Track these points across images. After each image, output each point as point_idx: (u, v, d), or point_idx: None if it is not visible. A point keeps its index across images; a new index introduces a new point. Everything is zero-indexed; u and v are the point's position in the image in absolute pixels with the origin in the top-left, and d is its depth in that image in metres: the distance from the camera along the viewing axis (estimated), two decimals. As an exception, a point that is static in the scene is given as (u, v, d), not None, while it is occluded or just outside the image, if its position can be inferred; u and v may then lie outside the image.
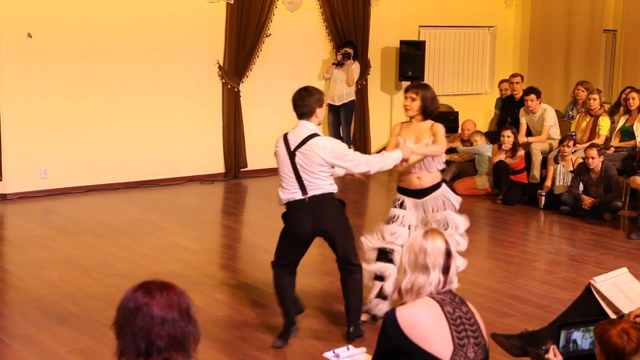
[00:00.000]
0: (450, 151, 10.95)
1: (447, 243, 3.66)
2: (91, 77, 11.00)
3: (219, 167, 12.19)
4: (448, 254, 3.64)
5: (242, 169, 12.33)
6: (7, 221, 10.03)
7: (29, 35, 10.52)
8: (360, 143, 13.22)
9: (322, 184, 5.94)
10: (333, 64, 12.58)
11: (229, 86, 12.03)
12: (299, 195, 5.93)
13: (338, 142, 6.09)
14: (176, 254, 8.48)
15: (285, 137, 6.05)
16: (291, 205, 6.01)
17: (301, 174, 5.90)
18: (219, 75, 11.99)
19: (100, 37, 10.99)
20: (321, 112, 6.01)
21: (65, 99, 10.85)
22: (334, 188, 6.04)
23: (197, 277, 7.63)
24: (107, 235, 9.08)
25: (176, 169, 11.79)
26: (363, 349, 4.58)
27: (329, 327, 6.49)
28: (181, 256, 8.39)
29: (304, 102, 5.96)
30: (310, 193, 5.91)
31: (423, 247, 3.62)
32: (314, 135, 5.92)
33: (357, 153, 6.20)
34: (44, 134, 10.76)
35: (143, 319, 2.91)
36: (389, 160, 6.10)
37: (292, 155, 5.93)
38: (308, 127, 5.96)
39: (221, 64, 11.97)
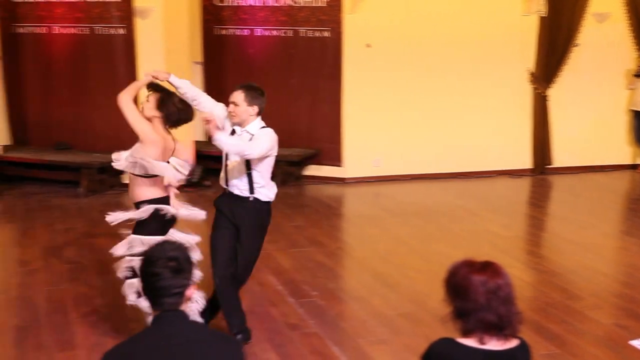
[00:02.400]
0: None
1: None
2: (419, 81, 11.36)
3: (526, 163, 12.11)
4: None
5: (547, 166, 12.17)
6: (346, 201, 10.68)
7: (368, 46, 11.11)
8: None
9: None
10: (634, 75, 12.07)
11: (538, 91, 11.92)
12: None
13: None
14: (488, 238, 8.55)
15: None
16: None
17: None
18: (530, 81, 11.91)
19: (428, 46, 11.29)
20: None
21: (396, 100, 11.29)
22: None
23: (507, 261, 7.68)
24: (429, 218, 9.37)
25: (488, 163, 11.87)
26: None
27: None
28: (492, 240, 8.45)
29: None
30: None
31: None
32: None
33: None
34: (378, 129, 11.28)
35: (497, 300, 2.98)
36: None
37: None
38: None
39: (532, 71, 11.88)
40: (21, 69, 11.54)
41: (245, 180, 5.54)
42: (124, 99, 5.40)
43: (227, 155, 5.56)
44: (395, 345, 5.75)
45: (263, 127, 5.59)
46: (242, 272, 5.68)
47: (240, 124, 5.53)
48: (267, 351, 5.61)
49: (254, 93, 5.52)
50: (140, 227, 5.39)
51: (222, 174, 5.65)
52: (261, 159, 5.49)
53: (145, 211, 5.32)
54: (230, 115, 5.53)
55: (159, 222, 5.39)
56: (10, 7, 11.36)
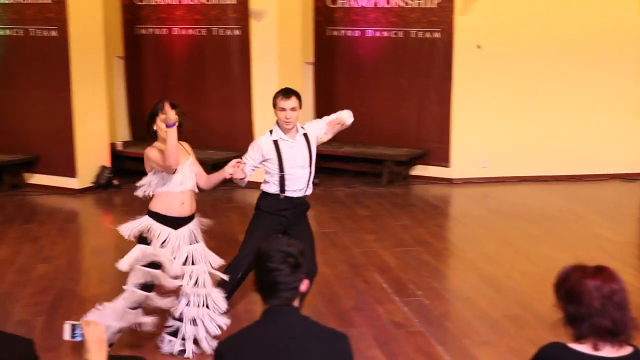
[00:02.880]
0: None
1: None
2: (529, 82, 11.12)
3: (639, 167, 11.69)
4: None
5: (662, 170, 11.72)
6: (453, 202, 10.56)
7: (479, 47, 10.94)
8: None
9: None
10: None
11: (657, 92, 11.48)
12: None
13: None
14: (596, 242, 8.30)
15: None
16: None
17: None
18: (646, 83, 11.49)
19: (539, 47, 11.04)
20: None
21: (505, 101, 11.09)
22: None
23: (617, 266, 7.36)
24: (536, 220, 9.16)
25: (599, 166, 11.51)
26: None
27: None
28: (601, 245, 8.20)
29: None
30: None
31: None
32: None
33: None
34: (486, 130, 11.11)
35: (612, 305, 2.89)
36: None
37: None
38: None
39: (648, 72, 11.46)
40: (142, 68, 11.92)
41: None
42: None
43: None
44: (500, 347, 5.65)
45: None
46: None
47: (290, 130, 5.66)
48: (372, 348, 5.60)
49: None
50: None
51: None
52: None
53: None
54: (287, 123, 5.61)
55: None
56: (134, 9, 11.74)
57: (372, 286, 6.87)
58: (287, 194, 5.73)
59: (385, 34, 11.50)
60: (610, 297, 2.89)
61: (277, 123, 5.69)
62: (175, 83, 11.65)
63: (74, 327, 2.99)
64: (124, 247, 7.98)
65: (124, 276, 7.04)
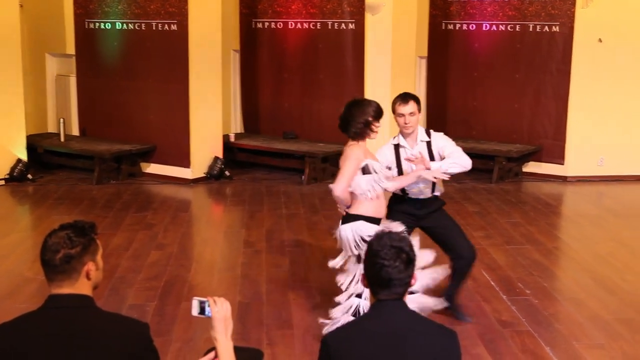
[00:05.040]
0: None
1: None
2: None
3: None
4: None
5: None
6: (566, 200, 10.23)
7: (600, 41, 10.55)
8: None
9: None
10: None
11: None
12: None
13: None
14: None
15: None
16: None
17: None
18: None
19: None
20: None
21: (625, 98, 10.68)
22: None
23: None
24: (633, 225, 8.79)
25: None
26: None
27: None
28: None
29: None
30: None
31: None
32: None
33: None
34: (603, 127, 10.72)
35: None
36: None
37: None
38: None
39: None
40: (256, 62, 12.08)
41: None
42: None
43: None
44: (612, 351, 5.43)
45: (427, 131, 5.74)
46: None
47: (410, 134, 5.60)
48: (477, 346, 5.48)
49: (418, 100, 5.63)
50: None
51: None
52: None
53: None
54: (405, 127, 5.55)
55: None
56: (252, 3, 11.90)
57: (479, 283, 6.73)
58: (410, 196, 5.75)
59: (502, 27, 11.26)
60: None
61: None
62: (288, 76, 11.76)
63: (202, 304, 3.01)
64: (232, 237, 8.18)
65: (232, 264, 7.18)
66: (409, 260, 2.96)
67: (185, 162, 10.51)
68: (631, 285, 6.71)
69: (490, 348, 5.45)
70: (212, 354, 3.00)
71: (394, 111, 5.61)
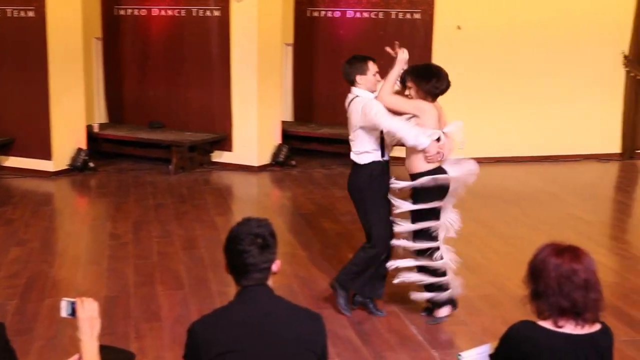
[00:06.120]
0: None
1: None
2: (507, 63, 11.11)
3: (615, 147, 11.72)
4: None
5: (637, 151, 11.75)
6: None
7: (459, 28, 10.91)
8: None
9: (356, 149, 5.67)
10: None
11: (632, 74, 11.48)
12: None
13: (374, 102, 5.54)
14: (571, 222, 8.32)
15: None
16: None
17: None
18: (623, 64, 11.49)
19: (518, 28, 11.03)
20: (363, 79, 5.64)
21: (484, 82, 11.08)
22: (362, 159, 5.66)
23: (590, 246, 7.37)
24: (512, 201, 9.16)
25: (576, 147, 11.53)
26: None
27: None
28: (575, 225, 8.22)
29: (345, 72, 5.74)
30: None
31: None
32: (355, 97, 5.66)
33: (395, 118, 5.48)
34: (464, 111, 11.03)
35: (570, 285, 2.89)
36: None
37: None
38: (353, 92, 5.71)
39: (626, 54, 11.45)
40: (120, 50, 11.80)
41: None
42: (388, 100, 5.52)
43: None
44: (473, 326, 5.65)
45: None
46: None
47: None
48: (346, 328, 5.58)
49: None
50: (419, 196, 5.50)
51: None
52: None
53: (424, 181, 5.43)
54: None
55: (438, 191, 5.48)
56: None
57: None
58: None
59: (365, 14, 11.44)
60: (569, 277, 2.90)
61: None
62: (153, 64, 11.55)
63: (71, 304, 2.94)
64: (97, 230, 7.99)
65: (97, 257, 7.02)
66: (265, 245, 2.98)
67: (46, 154, 10.15)
68: (491, 262, 6.99)
69: (358, 329, 5.56)
70: (76, 356, 2.95)
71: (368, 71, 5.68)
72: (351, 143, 5.76)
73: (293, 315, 3.02)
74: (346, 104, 5.76)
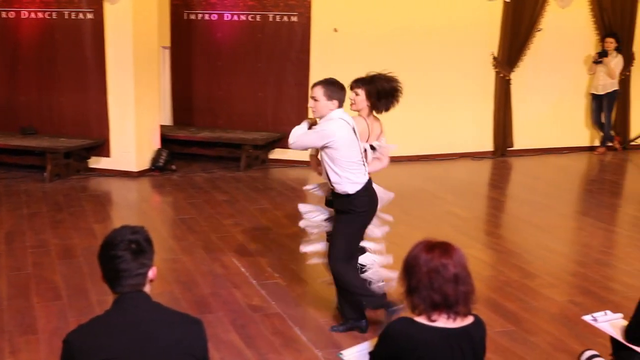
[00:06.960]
0: None
1: None
2: (383, 65, 11.04)
3: (488, 145, 12.15)
4: None
5: (508, 148, 12.22)
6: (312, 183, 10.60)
7: (335, 30, 11.06)
8: (621, 129, 12.74)
9: None
10: (593, 62, 12.18)
11: (501, 75, 11.94)
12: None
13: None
14: (448, 219, 8.59)
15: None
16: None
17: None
18: (493, 65, 11.92)
19: (394, 30, 11.27)
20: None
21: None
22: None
23: (466, 241, 7.67)
24: (393, 201, 9.26)
25: (452, 146, 11.88)
26: (619, 315, 4.48)
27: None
28: (452, 222, 8.49)
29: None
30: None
31: None
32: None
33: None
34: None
35: (441, 279, 2.97)
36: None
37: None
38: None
39: (495, 55, 11.89)
40: (-13, 54, 11.34)
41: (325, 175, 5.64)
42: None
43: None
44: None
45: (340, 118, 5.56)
46: None
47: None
48: (229, 332, 5.56)
49: (333, 88, 5.57)
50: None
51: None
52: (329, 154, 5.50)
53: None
54: (311, 111, 5.58)
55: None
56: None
57: (229, 271, 6.83)
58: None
59: (243, 17, 11.42)
60: (439, 272, 2.98)
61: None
62: (24, 69, 11.16)
63: None
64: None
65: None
66: (139, 251, 2.95)
67: None
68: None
69: (242, 333, 5.55)
70: None
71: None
72: None
73: (171, 321, 2.99)
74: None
